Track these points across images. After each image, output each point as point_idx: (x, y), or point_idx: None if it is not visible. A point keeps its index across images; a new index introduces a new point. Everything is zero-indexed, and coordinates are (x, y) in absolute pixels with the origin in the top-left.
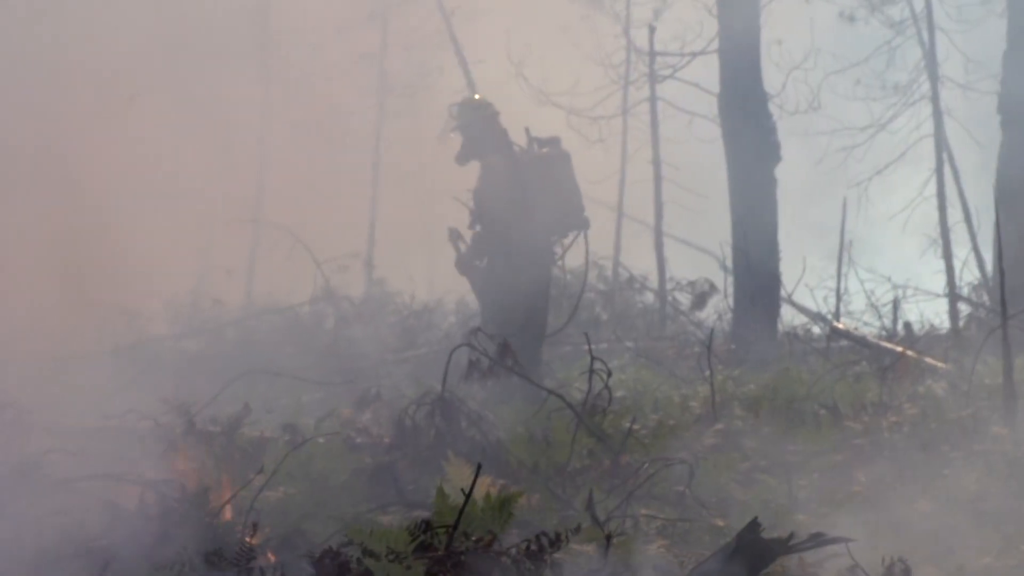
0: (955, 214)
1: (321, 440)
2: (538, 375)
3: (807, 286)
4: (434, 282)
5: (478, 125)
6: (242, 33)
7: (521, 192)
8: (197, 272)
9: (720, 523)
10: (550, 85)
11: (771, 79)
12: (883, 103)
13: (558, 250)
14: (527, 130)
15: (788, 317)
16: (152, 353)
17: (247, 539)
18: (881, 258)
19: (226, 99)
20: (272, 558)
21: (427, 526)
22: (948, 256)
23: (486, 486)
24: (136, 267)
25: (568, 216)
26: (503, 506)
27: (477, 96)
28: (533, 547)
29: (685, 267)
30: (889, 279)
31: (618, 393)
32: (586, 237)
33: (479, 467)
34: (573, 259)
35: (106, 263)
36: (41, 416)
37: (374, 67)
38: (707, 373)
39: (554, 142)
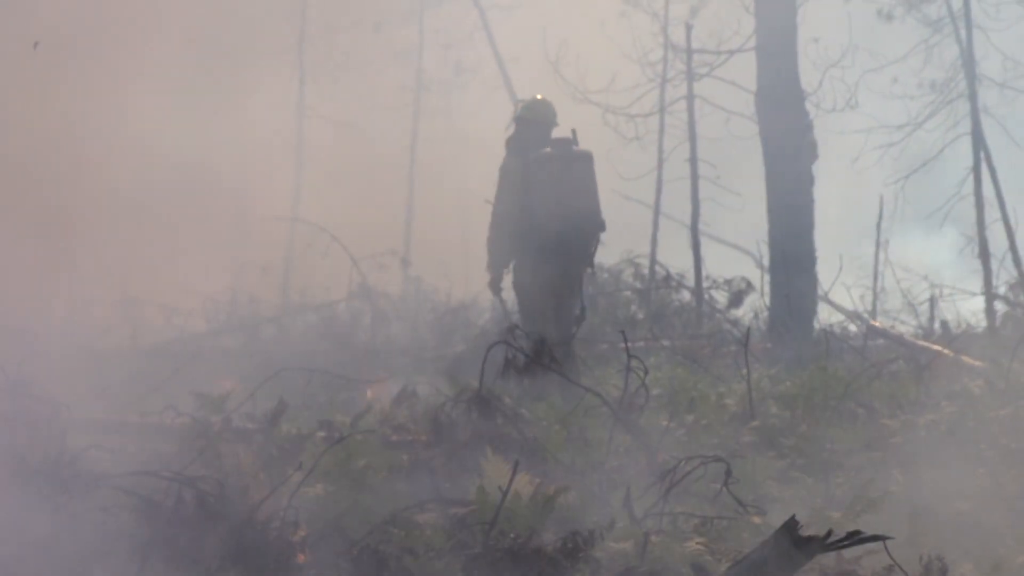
0: (992, 213)
1: (359, 437)
2: (574, 372)
3: (844, 284)
4: (470, 279)
5: (531, 123)
6: (280, 32)
7: (525, 192)
8: (234, 270)
9: (757, 521)
10: (586, 82)
11: (808, 77)
12: (920, 101)
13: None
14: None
15: (824, 315)
16: (190, 350)
17: (286, 536)
18: (918, 256)
19: (264, 98)
20: (302, 558)
21: (465, 523)
22: (985, 255)
23: (523, 483)
24: (175, 264)
25: (583, 217)
26: (545, 504)
27: (539, 96)
28: (570, 544)
29: (722, 265)
30: (926, 277)
31: (655, 391)
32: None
33: (516, 464)
34: (610, 258)
35: (145, 261)
36: (81, 412)
37: (410, 65)
38: (743, 371)
39: (564, 142)
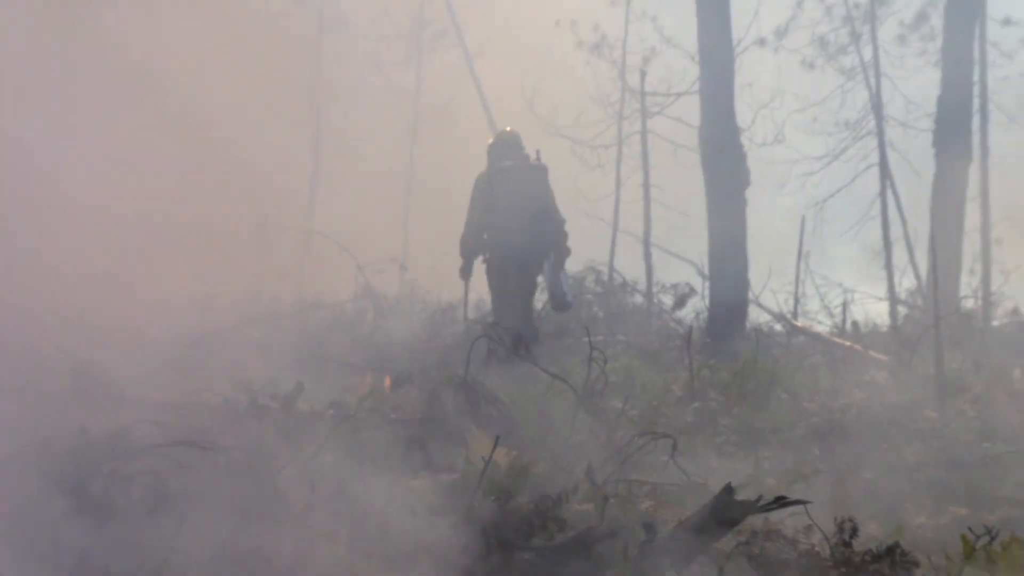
0: (896, 231)
1: (362, 415)
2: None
3: (771, 290)
4: (457, 283)
5: (504, 149)
6: (298, 70)
7: (489, 203)
8: (259, 274)
9: (703, 485)
10: (557, 118)
11: (743, 116)
12: (836, 137)
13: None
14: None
15: (755, 316)
16: (222, 340)
17: (302, 496)
18: (833, 267)
19: (284, 131)
20: (314, 515)
21: (453, 489)
22: (889, 266)
23: (502, 455)
24: (209, 268)
25: (538, 213)
26: (520, 472)
27: (508, 128)
28: (541, 506)
29: (669, 273)
30: (840, 284)
31: (612, 378)
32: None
33: (497, 439)
34: (575, 266)
35: (183, 264)
36: (132, 392)
37: (409, 102)
38: (687, 362)
39: (523, 157)
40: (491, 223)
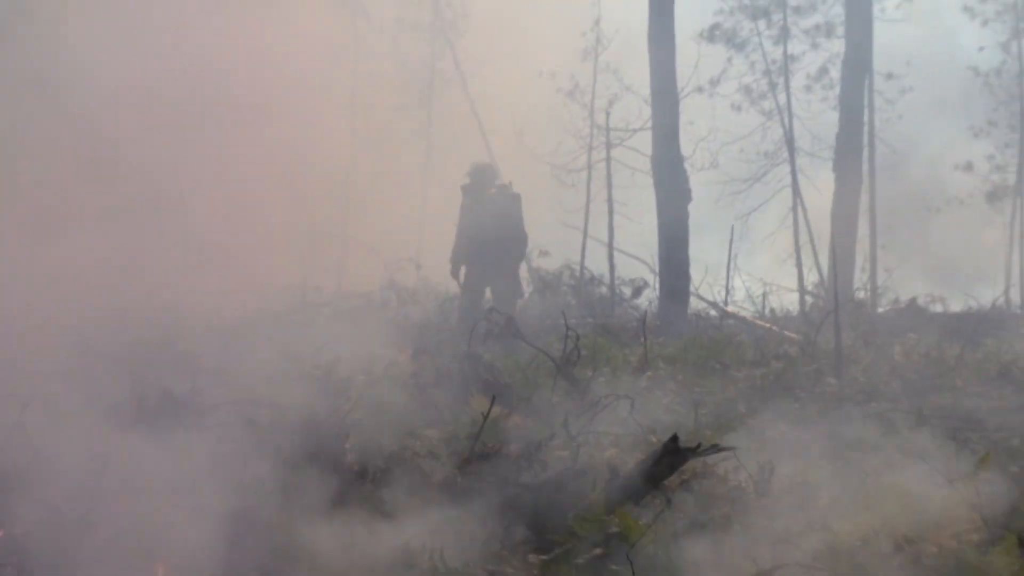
0: (803, 237)
1: (387, 381)
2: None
3: (707, 283)
4: (449, 288)
5: (479, 178)
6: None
7: (477, 220)
8: (304, 269)
9: (652, 438)
10: (540, 148)
11: (686, 147)
12: (758, 164)
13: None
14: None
15: (695, 304)
16: (274, 322)
17: (340, 444)
18: (756, 265)
19: (321, 149)
20: (350, 458)
21: (458, 437)
22: (799, 264)
23: (496, 412)
24: (267, 264)
25: (510, 230)
26: (510, 425)
27: (481, 161)
28: (526, 452)
29: (628, 270)
30: (761, 279)
31: (583, 352)
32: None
33: (492, 399)
34: (554, 265)
35: (240, 261)
36: (207, 362)
37: (422, 135)
38: (642, 340)
39: (503, 187)
40: (476, 238)
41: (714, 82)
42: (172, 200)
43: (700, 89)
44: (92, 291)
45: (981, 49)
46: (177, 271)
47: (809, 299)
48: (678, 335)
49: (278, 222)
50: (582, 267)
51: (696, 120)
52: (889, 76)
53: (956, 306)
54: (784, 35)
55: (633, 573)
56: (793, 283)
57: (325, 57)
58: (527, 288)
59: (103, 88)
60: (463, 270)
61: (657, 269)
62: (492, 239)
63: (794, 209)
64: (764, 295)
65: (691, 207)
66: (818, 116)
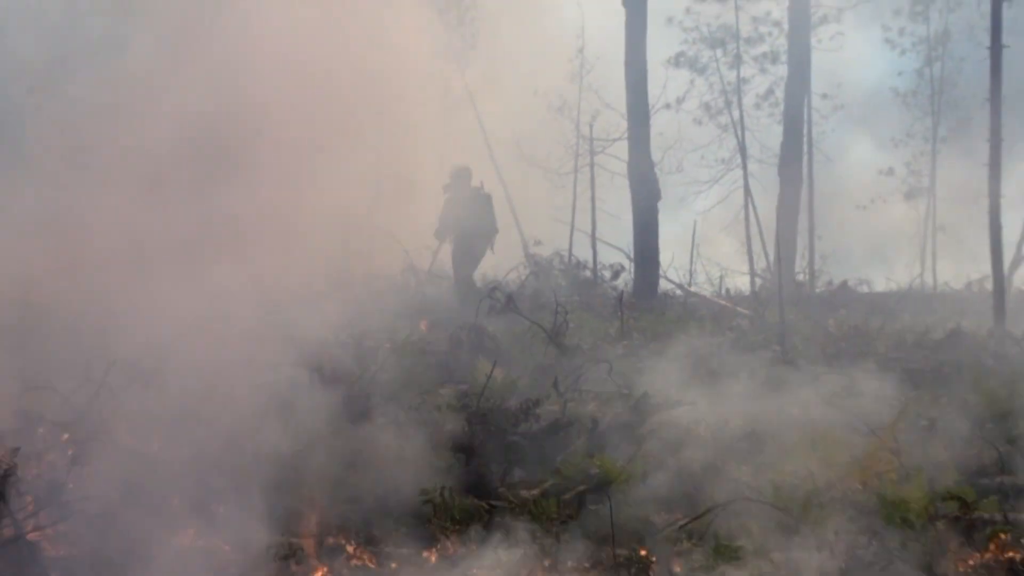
0: (753, 230)
1: (408, 347)
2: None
3: (674, 268)
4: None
5: (457, 179)
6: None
7: (457, 213)
8: (337, 255)
9: (628, 393)
10: (535, 154)
11: (656, 154)
12: (716, 169)
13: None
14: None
15: (663, 285)
16: (319, 299)
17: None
18: (715, 252)
19: (358, 157)
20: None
21: (466, 395)
22: (750, 252)
23: (498, 373)
24: (316, 250)
25: (484, 223)
26: (510, 385)
27: (463, 164)
28: (523, 407)
29: (608, 257)
30: (718, 264)
31: (570, 325)
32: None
33: (494, 363)
34: (546, 252)
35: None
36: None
37: (438, 144)
38: (619, 315)
39: (476, 189)
40: (457, 227)
41: (679, 100)
42: (249, 201)
43: (668, 106)
44: (185, 267)
45: (900, 74)
46: (251, 255)
47: (758, 281)
48: (649, 311)
49: (324, 216)
50: (570, 254)
51: (664, 132)
52: (824, 96)
53: (879, 287)
54: (737, 62)
55: (610, 507)
56: (745, 267)
57: (366, 86)
58: (524, 271)
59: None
60: (447, 247)
61: (632, 256)
62: (469, 230)
63: (746, 206)
64: (721, 277)
65: (660, 204)
66: (765, 129)
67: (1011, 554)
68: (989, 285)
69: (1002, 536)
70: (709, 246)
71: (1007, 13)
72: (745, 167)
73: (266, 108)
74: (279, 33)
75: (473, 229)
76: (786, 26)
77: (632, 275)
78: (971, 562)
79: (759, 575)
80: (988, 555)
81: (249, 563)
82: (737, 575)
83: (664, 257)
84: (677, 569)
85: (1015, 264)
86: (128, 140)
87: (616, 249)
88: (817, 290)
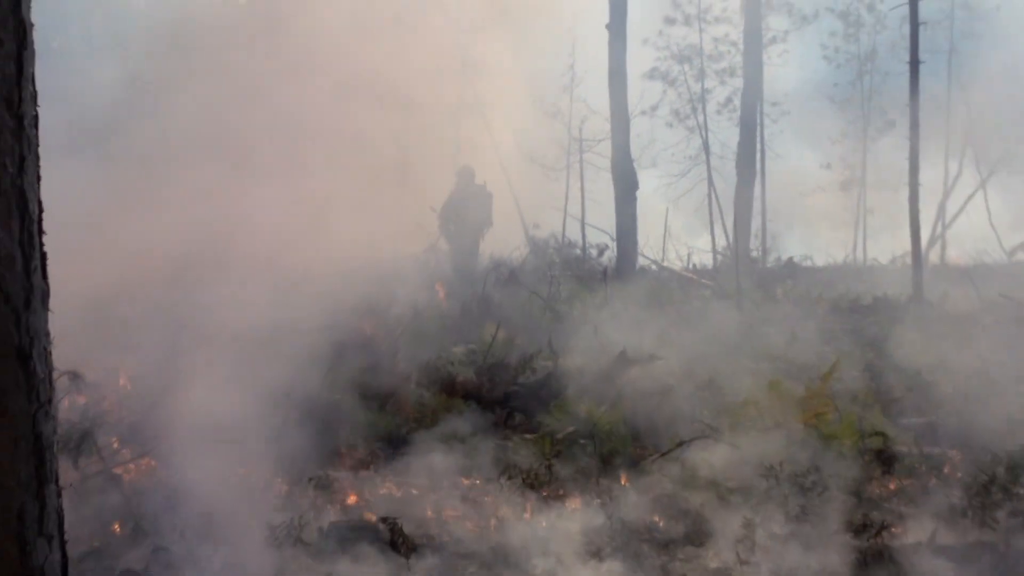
0: (715, 215)
1: (427, 314)
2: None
3: (650, 246)
4: (480, 252)
5: (461, 176)
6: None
7: (458, 206)
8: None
9: (610, 350)
10: (533, 153)
11: (634, 152)
12: (684, 164)
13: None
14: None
15: (641, 261)
16: (354, 274)
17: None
18: (683, 234)
19: (388, 153)
20: (400, 366)
21: (474, 352)
22: (712, 233)
23: (501, 335)
24: (352, 239)
25: (482, 214)
26: (511, 343)
27: (465, 164)
28: (522, 361)
29: (595, 237)
30: (687, 244)
31: (563, 294)
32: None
33: (498, 326)
34: (542, 234)
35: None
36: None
37: (453, 145)
38: (604, 285)
39: (480, 187)
40: (458, 217)
41: (654, 107)
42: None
43: (644, 112)
44: (259, 246)
45: (836, 85)
46: (301, 238)
47: (719, 257)
48: (629, 282)
49: (360, 204)
50: (563, 236)
51: (641, 133)
52: (774, 103)
53: (820, 262)
54: (701, 75)
55: (595, 443)
56: (708, 246)
57: (395, 97)
58: (525, 250)
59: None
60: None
61: (615, 237)
62: (471, 220)
63: (709, 195)
64: (688, 254)
65: (638, 194)
66: (725, 131)
67: (922, 480)
68: (909, 260)
69: (917, 466)
70: (678, 228)
71: (923, 34)
72: (708, 163)
73: (321, 119)
74: (330, 55)
75: (474, 219)
76: (741, 46)
77: (615, 253)
78: (891, 486)
79: (717, 498)
80: (906, 481)
81: (296, 491)
82: (699, 498)
83: (641, 237)
84: (651, 494)
85: (931, 242)
86: (210, 137)
87: (601, 231)
88: (768, 264)
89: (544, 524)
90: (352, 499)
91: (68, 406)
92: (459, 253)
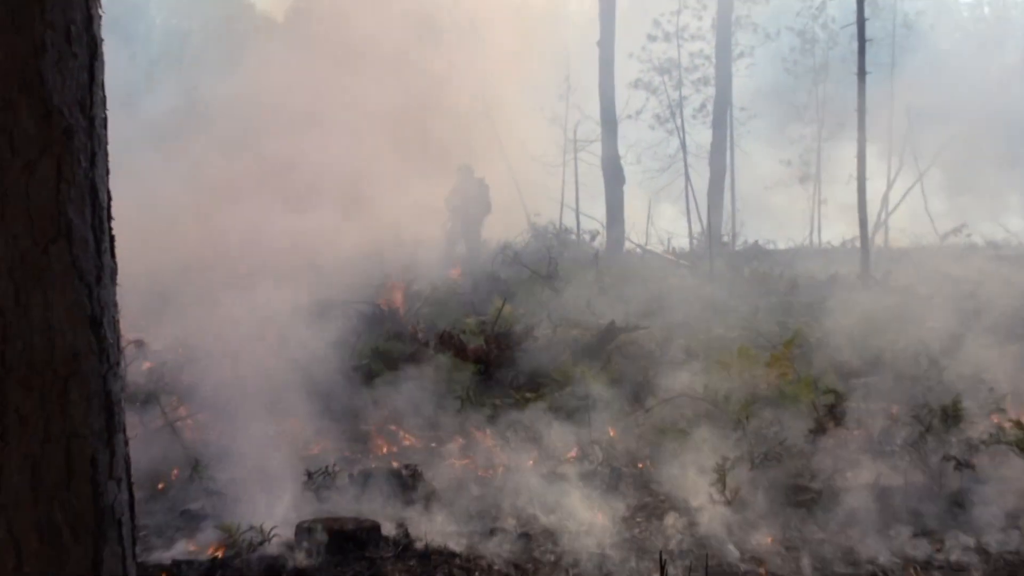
0: (692, 204)
1: (443, 289)
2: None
3: (635, 232)
4: (489, 237)
5: (460, 173)
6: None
7: (462, 197)
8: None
9: (601, 321)
10: (535, 152)
11: (621, 151)
12: (664, 160)
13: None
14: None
15: (627, 245)
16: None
17: (413, 327)
18: (664, 220)
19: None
20: (417, 332)
21: (484, 323)
22: (689, 220)
23: (508, 308)
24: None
25: (482, 204)
26: (516, 316)
27: (463, 164)
28: (525, 331)
29: (588, 224)
30: (667, 230)
31: (560, 272)
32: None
33: (504, 300)
34: (542, 221)
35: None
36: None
37: (466, 146)
38: (595, 266)
39: (480, 180)
40: (462, 206)
41: (638, 112)
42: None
43: (630, 116)
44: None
45: (794, 93)
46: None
47: (695, 241)
48: (617, 263)
49: (387, 198)
50: (560, 223)
51: (627, 135)
52: (742, 109)
53: (781, 245)
54: (679, 84)
55: (588, 401)
56: (685, 232)
57: (415, 107)
58: (527, 235)
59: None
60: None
61: (605, 224)
62: (472, 207)
63: (686, 188)
64: (669, 239)
65: (625, 187)
66: (700, 133)
67: (868, 430)
68: (858, 243)
69: (864, 419)
70: (660, 216)
71: (869, 50)
72: (685, 160)
73: (361, 127)
74: (372, 72)
75: (474, 207)
76: (714, 59)
77: (605, 238)
78: (842, 436)
79: (692, 443)
80: (855, 432)
81: (327, 444)
82: (677, 447)
83: (628, 224)
84: (635, 444)
85: (876, 228)
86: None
87: (593, 219)
88: (737, 247)
89: (544, 470)
90: (378, 449)
91: (135, 370)
92: (465, 235)
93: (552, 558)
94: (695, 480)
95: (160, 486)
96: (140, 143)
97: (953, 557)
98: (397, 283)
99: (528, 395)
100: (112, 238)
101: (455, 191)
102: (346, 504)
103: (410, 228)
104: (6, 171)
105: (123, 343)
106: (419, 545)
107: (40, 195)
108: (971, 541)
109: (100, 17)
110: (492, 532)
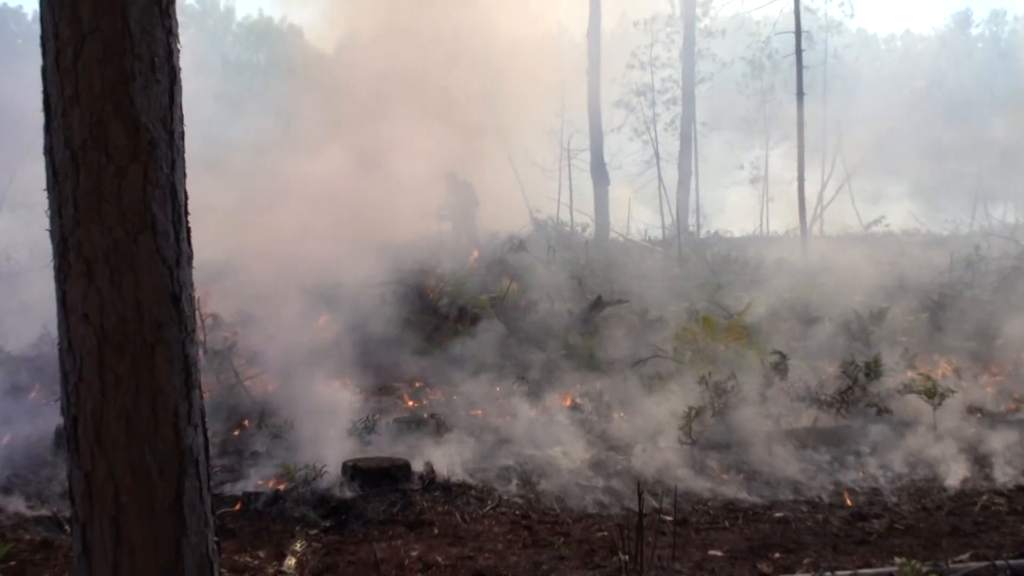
0: (664, 201)
1: (463, 272)
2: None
3: (618, 224)
4: (495, 229)
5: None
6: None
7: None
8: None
9: (590, 296)
10: (535, 159)
11: (607, 157)
12: (643, 164)
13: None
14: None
15: (612, 235)
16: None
17: (437, 301)
18: (641, 213)
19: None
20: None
21: (495, 299)
22: (662, 212)
23: (514, 287)
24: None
25: (470, 205)
26: (523, 294)
27: (448, 171)
28: (529, 304)
29: (579, 219)
30: (643, 223)
31: (557, 257)
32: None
33: (511, 280)
34: (542, 216)
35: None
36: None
37: (473, 152)
38: (586, 253)
39: (463, 182)
40: (458, 205)
41: (620, 126)
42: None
43: (613, 130)
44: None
45: (746, 109)
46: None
47: (666, 231)
48: (603, 250)
49: (411, 196)
50: (557, 217)
51: (611, 145)
52: (704, 123)
53: (737, 234)
54: (653, 104)
55: (578, 361)
56: (659, 223)
57: (430, 121)
58: (530, 228)
59: None
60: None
61: (593, 218)
62: (463, 209)
63: (659, 188)
64: (646, 229)
65: (609, 187)
66: (670, 143)
67: (807, 383)
68: (798, 232)
69: (803, 375)
70: (638, 211)
71: (806, 75)
72: (658, 165)
73: (395, 139)
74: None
75: (465, 207)
76: (681, 83)
77: (593, 229)
78: (788, 390)
79: (664, 395)
80: (796, 384)
81: (367, 398)
82: (652, 399)
83: (612, 218)
84: (617, 397)
85: (813, 219)
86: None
87: (583, 214)
88: (701, 236)
89: (544, 419)
90: (408, 402)
91: (214, 337)
92: (464, 231)
93: (551, 488)
94: (667, 424)
95: (235, 432)
96: (224, 151)
97: (871, 484)
98: (426, 267)
99: (534, 358)
100: (189, 229)
101: (445, 203)
102: (383, 446)
103: (435, 224)
104: (102, 175)
105: (203, 316)
106: (442, 479)
107: (130, 195)
108: (887, 471)
109: (179, 51)
110: (502, 468)
